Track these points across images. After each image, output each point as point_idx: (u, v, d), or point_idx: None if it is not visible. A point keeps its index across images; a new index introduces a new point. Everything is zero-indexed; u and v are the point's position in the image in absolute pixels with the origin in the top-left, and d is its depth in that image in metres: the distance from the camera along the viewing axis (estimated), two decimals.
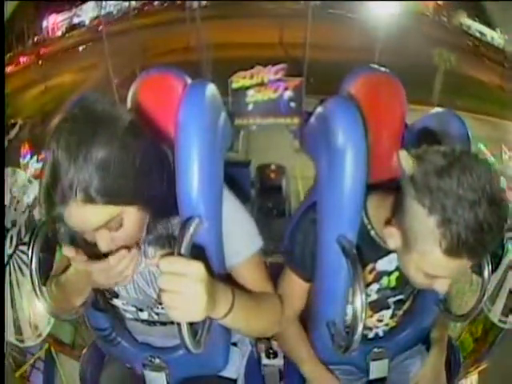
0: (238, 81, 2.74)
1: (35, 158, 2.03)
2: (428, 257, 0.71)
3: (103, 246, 0.72)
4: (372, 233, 0.88)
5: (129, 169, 0.67)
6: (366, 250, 0.88)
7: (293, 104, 2.77)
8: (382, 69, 1.04)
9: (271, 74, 2.76)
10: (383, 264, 0.92)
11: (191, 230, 0.72)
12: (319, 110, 0.94)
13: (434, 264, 0.71)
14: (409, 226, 0.72)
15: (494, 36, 2.94)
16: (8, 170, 1.72)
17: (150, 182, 0.72)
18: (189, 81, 0.97)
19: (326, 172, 0.88)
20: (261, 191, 2.81)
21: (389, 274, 0.94)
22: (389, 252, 0.88)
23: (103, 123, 0.66)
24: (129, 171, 0.67)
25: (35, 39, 3.01)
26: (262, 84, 2.75)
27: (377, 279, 0.94)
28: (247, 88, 2.74)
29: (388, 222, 0.79)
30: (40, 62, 2.93)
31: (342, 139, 0.84)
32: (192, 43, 3.28)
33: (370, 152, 0.85)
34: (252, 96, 2.75)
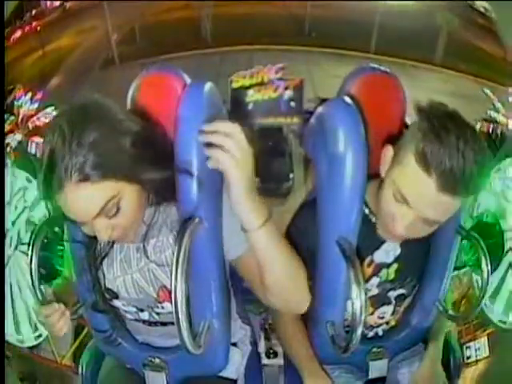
0: (238, 80, 2.73)
1: (29, 95, 2.03)
2: (404, 167, 0.78)
3: (102, 235, 0.73)
4: (373, 219, 0.91)
5: (121, 147, 0.70)
6: (364, 239, 0.89)
7: (293, 104, 2.76)
8: (382, 68, 1.04)
9: (271, 73, 2.75)
10: (380, 255, 0.94)
11: (190, 229, 0.72)
12: (319, 110, 0.94)
13: (406, 175, 0.78)
14: (399, 144, 0.82)
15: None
16: (8, 170, 1.72)
17: (143, 160, 0.73)
18: (188, 80, 0.97)
19: (325, 173, 0.89)
20: (261, 132, 2.78)
21: (388, 266, 0.95)
22: (384, 240, 0.92)
23: (93, 111, 0.70)
24: (121, 149, 0.70)
25: (33, 12, 3.01)
26: (262, 83, 2.74)
27: (376, 272, 0.95)
28: (247, 87, 2.74)
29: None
30: (38, 29, 2.93)
31: (341, 141, 0.84)
32: (191, 1, 3.26)
33: (370, 153, 0.85)
34: (252, 95, 2.74)
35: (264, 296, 0.83)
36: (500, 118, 2.01)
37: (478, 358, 1.65)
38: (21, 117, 1.97)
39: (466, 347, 1.65)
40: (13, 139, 1.84)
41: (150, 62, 2.67)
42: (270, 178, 2.74)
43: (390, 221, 0.82)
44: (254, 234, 0.73)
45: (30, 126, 1.99)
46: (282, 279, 0.79)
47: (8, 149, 1.81)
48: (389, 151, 0.84)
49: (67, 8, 3.25)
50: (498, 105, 2.03)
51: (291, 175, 2.88)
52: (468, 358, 1.66)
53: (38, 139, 1.90)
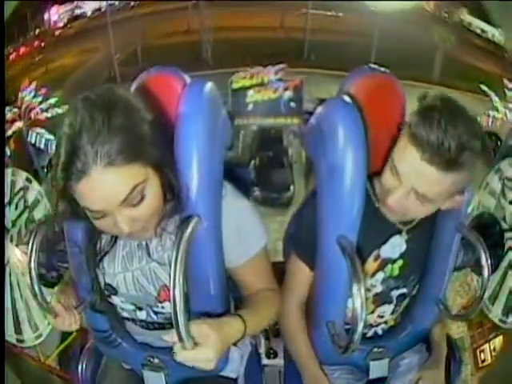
0: (238, 81, 2.74)
1: (33, 86, 2.05)
2: (399, 144, 0.82)
3: (125, 227, 0.71)
4: (382, 210, 0.91)
5: (144, 133, 0.70)
6: (373, 232, 0.90)
7: (293, 104, 2.78)
8: (382, 69, 1.04)
9: (271, 74, 2.76)
10: (387, 250, 0.95)
11: (190, 228, 0.72)
12: (319, 110, 0.94)
13: (399, 150, 0.82)
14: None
15: (495, 33, 2.96)
16: (8, 171, 1.72)
17: (165, 150, 0.74)
18: (188, 80, 0.97)
19: (326, 173, 0.89)
20: (261, 142, 2.81)
21: (393, 261, 0.96)
22: (393, 233, 0.93)
23: (117, 99, 0.69)
24: (144, 135, 0.70)
25: (37, 31, 3.06)
26: (261, 84, 2.76)
27: (381, 267, 0.96)
28: (247, 88, 2.75)
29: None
30: (42, 45, 2.97)
31: (341, 140, 0.84)
32: (193, 26, 3.31)
33: (370, 153, 0.85)
34: (252, 96, 2.75)
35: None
36: (499, 112, 2.02)
37: (494, 359, 1.63)
38: (24, 107, 1.99)
39: (480, 351, 1.63)
40: (13, 127, 1.85)
41: None
42: (270, 188, 2.76)
43: (387, 194, 0.85)
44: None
45: (33, 116, 2.01)
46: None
47: (10, 132, 1.81)
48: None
49: (71, 28, 3.31)
50: (496, 99, 2.05)
51: (291, 187, 2.91)
52: (483, 361, 1.63)
53: (39, 130, 1.91)
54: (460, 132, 0.76)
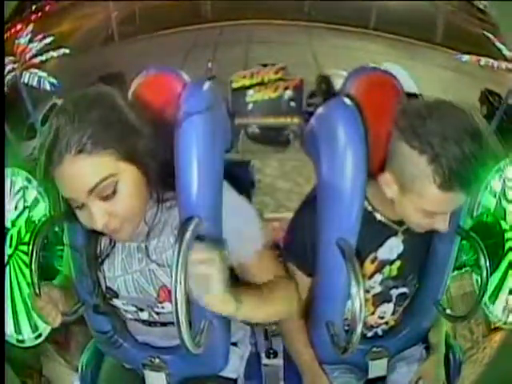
0: (238, 80, 2.74)
1: (30, 29, 2.04)
2: (425, 195, 0.78)
3: (98, 220, 0.72)
4: (377, 216, 0.92)
5: (121, 125, 0.73)
6: (369, 236, 0.90)
7: (293, 104, 2.77)
8: (382, 68, 1.04)
9: (271, 73, 2.76)
10: (384, 252, 0.94)
11: (191, 230, 0.72)
12: (320, 110, 0.94)
13: (431, 200, 0.78)
14: (402, 170, 0.80)
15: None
16: (8, 170, 1.72)
17: (143, 141, 0.75)
18: (188, 80, 0.97)
19: (325, 173, 0.89)
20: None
21: (391, 263, 0.96)
22: (389, 236, 0.93)
23: (95, 96, 0.74)
24: (121, 127, 0.73)
25: (33, 8, 3.05)
26: (262, 83, 2.75)
27: (379, 269, 0.96)
28: (247, 88, 2.74)
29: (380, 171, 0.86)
30: (40, 15, 2.97)
31: (342, 140, 0.84)
32: None
33: (370, 153, 0.85)
34: (252, 96, 2.75)
35: None
36: (506, 59, 1.98)
37: (509, 320, 1.61)
38: (19, 50, 1.98)
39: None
40: (8, 70, 1.83)
41: (148, 37, 2.76)
42: (268, 125, 2.74)
43: (429, 224, 0.84)
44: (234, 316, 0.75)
45: (27, 58, 2.00)
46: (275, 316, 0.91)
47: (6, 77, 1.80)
48: (388, 179, 0.84)
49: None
50: (502, 46, 2.02)
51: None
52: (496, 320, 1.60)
53: (33, 70, 1.91)
54: (474, 143, 0.74)
